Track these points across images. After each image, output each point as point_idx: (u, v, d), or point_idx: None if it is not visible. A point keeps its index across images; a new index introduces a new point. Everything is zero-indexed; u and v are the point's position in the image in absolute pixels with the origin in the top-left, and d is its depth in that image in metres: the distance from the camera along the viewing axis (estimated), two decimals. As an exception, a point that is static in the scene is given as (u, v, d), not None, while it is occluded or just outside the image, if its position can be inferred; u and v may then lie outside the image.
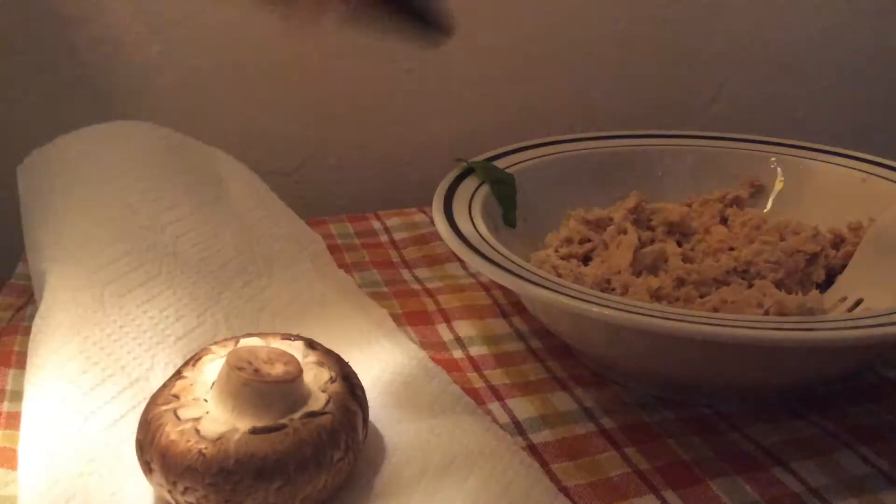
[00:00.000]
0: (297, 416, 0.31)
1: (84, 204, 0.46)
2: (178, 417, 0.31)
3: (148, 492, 0.33)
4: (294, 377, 0.32)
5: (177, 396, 0.33)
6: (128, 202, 0.47)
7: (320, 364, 0.35)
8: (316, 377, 0.34)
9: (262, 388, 0.31)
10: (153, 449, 0.31)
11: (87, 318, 0.40)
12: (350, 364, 0.36)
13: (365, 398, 0.35)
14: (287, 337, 0.36)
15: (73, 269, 0.42)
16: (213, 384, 0.33)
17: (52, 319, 0.40)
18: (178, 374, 0.34)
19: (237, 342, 0.36)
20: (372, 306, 0.48)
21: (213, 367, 0.34)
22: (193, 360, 0.35)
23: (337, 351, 0.37)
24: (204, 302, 0.44)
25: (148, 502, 0.33)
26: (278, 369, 0.32)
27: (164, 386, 0.34)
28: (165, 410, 0.32)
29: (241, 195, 0.53)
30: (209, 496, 0.30)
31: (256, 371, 0.32)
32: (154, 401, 0.33)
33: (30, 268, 0.47)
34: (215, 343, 0.36)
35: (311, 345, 0.36)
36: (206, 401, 0.32)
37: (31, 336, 0.40)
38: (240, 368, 0.32)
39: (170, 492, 0.31)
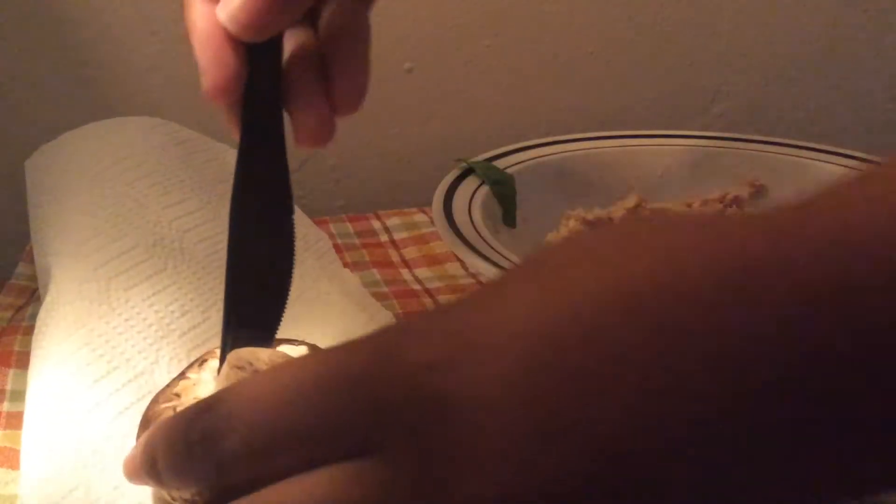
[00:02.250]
0: None
1: (91, 199, 0.46)
2: None
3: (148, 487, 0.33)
4: None
5: (178, 395, 0.33)
6: (135, 197, 0.47)
7: None
8: None
9: None
10: None
11: (93, 310, 0.40)
12: None
13: None
14: (292, 342, 0.36)
15: (78, 262, 0.42)
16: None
17: (56, 312, 0.40)
18: (182, 376, 0.34)
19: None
20: (377, 309, 0.48)
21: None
22: (199, 361, 0.35)
23: None
24: (209, 298, 0.43)
25: (149, 495, 0.33)
26: None
27: (168, 385, 0.34)
28: (166, 408, 0.32)
29: None
30: (203, 493, 0.30)
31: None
32: (156, 399, 0.33)
33: (35, 263, 0.47)
34: None
35: (315, 350, 0.36)
36: None
37: (36, 328, 0.40)
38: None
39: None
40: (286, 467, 0.23)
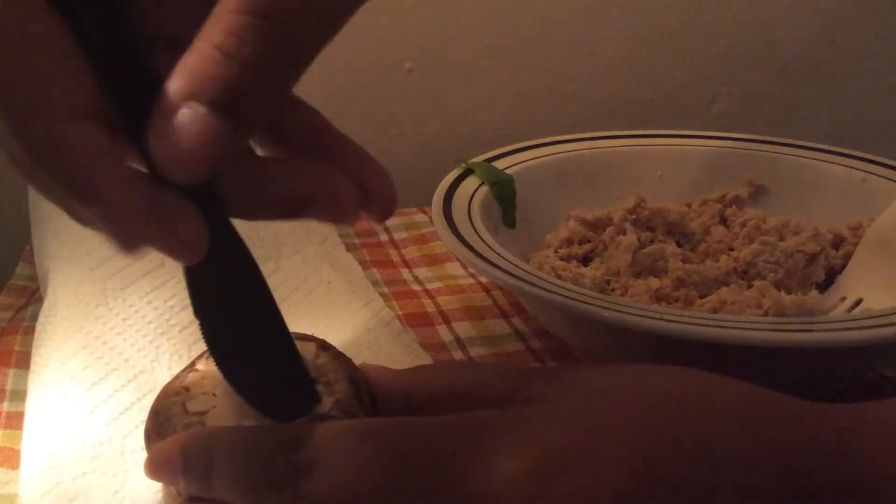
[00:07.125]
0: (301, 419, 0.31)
1: None
2: (185, 410, 0.31)
3: (150, 491, 0.33)
4: None
5: (187, 389, 0.33)
6: None
7: (330, 368, 0.35)
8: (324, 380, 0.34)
9: None
10: (159, 440, 0.31)
11: (90, 312, 0.40)
12: (357, 361, 0.36)
13: (371, 405, 0.34)
14: (300, 337, 0.36)
15: (74, 265, 0.42)
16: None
17: (54, 317, 0.40)
18: (191, 367, 0.34)
19: None
20: (379, 305, 0.47)
21: None
22: (208, 352, 0.35)
23: (344, 346, 0.37)
24: None
25: (150, 499, 0.33)
26: None
27: (177, 377, 0.34)
28: (174, 402, 0.32)
29: None
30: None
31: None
32: (165, 392, 0.33)
33: (36, 267, 0.47)
34: None
35: (323, 346, 0.36)
36: (214, 395, 0.32)
37: (35, 335, 0.40)
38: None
39: None
40: None
